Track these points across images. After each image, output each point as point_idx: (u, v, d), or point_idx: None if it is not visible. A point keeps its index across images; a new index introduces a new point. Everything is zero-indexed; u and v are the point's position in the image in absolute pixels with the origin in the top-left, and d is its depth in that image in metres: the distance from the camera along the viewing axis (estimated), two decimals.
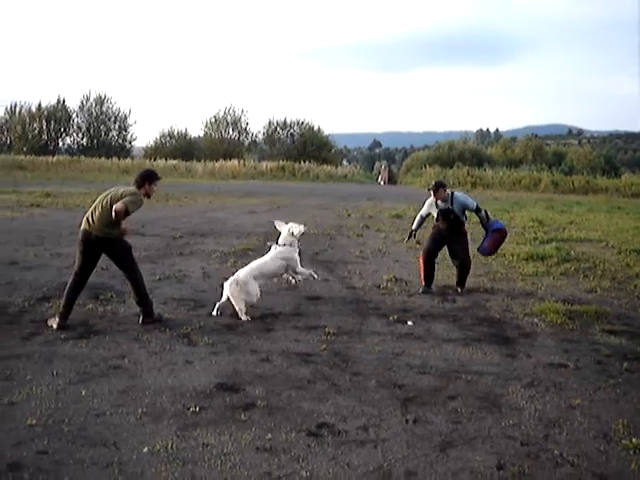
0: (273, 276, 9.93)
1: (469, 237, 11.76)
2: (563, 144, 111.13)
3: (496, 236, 11.55)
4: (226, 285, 9.20)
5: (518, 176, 55.33)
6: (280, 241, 9.94)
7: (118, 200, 8.30)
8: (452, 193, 11.46)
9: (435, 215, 11.49)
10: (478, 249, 11.80)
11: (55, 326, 8.33)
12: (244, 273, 9.33)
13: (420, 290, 11.33)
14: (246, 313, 9.05)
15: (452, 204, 11.31)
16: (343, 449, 5.23)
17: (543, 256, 15.05)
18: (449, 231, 11.35)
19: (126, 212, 8.28)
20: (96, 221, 8.40)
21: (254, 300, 9.22)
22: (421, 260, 11.49)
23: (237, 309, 9.09)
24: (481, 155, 78.05)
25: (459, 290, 11.45)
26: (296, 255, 9.90)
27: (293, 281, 10.13)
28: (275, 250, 9.83)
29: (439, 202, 11.36)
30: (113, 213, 8.19)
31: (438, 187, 11.31)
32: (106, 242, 8.46)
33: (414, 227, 11.93)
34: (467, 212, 11.44)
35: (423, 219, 11.89)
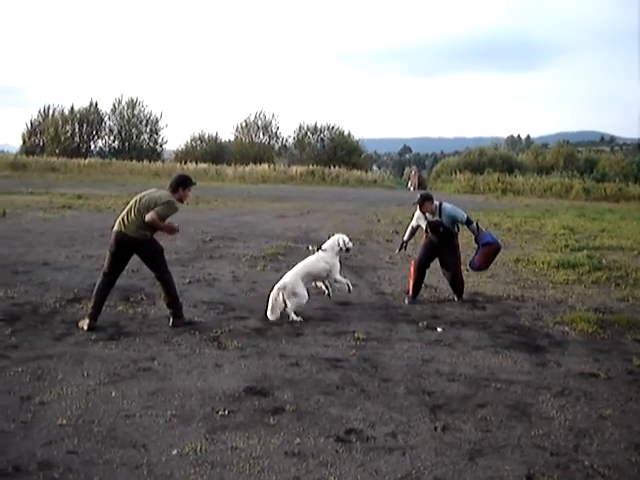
0: (316, 278, 9.99)
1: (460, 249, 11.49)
2: (595, 151, 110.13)
3: (486, 250, 11.08)
4: (273, 292, 9.35)
5: (549, 183, 54.93)
6: (324, 246, 10.06)
7: (155, 204, 8.40)
8: (440, 205, 11.02)
9: (424, 227, 11.20)
10: (469, 264, 11.46)
11: (85, 327, 8.40)
12: (290, 276, 9.49)
13: (405, 300, 10.98)
14: (297, 314, 9.30)
15: (440, 216, 10.93)
16: (371, 455, 5.22)
17: (574, 264, 14.90)
18: (440, 243, 11.08)
19: (161, 220, 8.38)
20: (130, 223, 8.48)
21: (303, 301, 9.39)
22: (412, 269, 11.21)
23: (287, 311, 9.30)
24: (512, 161, 77.56)
25: (456, 299, 11.19)
26: (337, 263, 10.00)
27: (326, 290, 10.14)
28: (318, 253, 9.99)
29: (427, 214, 11.03)
30: (147, 222, 8.29)
31: (424, 200, 10.98)
32: (140, 243, 8.52)
33: (405, 238, 11.74)
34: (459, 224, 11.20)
35: (414, 230, 11.63)
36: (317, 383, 6.82)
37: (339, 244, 9.98)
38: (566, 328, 9.46)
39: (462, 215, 11.07)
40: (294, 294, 9.27)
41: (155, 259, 8.76)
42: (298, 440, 5.43)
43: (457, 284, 11.23)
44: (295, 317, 9.23)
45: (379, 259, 15.41)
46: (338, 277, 9.96)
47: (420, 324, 9.33)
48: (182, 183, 8.84)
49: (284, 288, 9.27)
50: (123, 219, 8.57)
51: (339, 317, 9.61)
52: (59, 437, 5.33)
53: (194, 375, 6.93)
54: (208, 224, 21.23)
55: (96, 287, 8.73)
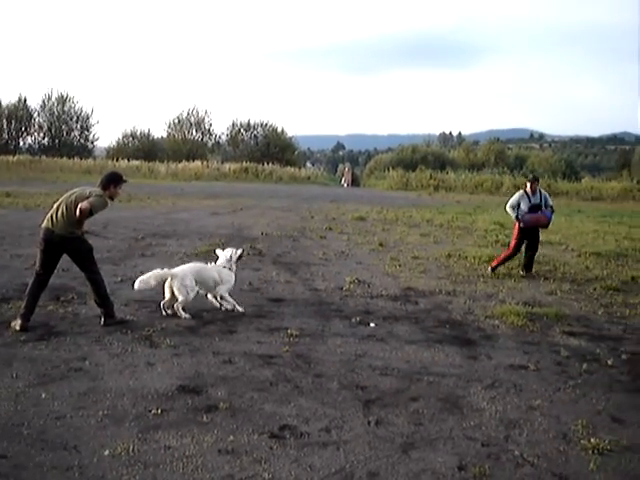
0: (202, 284, 9.52)
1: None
2: (525, 148, 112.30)
3: (540, 218, 13.74)
4: (162, 272, 9.28)
5: (480, 179, 55.83)
6: (219, 262, 9.90)
7: (84, 200, 8.26)
8: (540, 190, 13.96)
9: (525, 208, 13.61)
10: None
11: (18, 327, 8.22)
12: (182, 269, 9.44)
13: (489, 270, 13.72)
14: (185, 310, 9.19)
15: (541, 199, 13.78)
16: (305, 451, 5.23)
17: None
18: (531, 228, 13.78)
19: (90, 212, 8.24)
20: (59, 220, 8.33)
21: (191, 296, 9.24)
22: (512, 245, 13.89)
23: (176, 306, 9.19)
24: (444, 158, 78.58)
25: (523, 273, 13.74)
26: (230, 280, 9.73)
27: (217, 304, 9.76)
28: (215, 264, 9.83)
29: (532, 197, 13.67)
30: (77, 211, 8.13)
31: (536, 179, 14.07)
32: (68, 241, 8.38)
33: (514, 214, 13.79)
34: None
35: (516, 207, 13.79)
36: (250, 380, 6.80)
37: (231, 257, 9.86)
38: (496, 322, 9.62)
39: (551, 201, 14.12)
40: (183, 286, 9.12)
41: (83, 257, 8.62)
42: (232, 437, 5.41)
43: (534, 256, 13.97)
44: (184, 314, 9.10)
45: (312, 255, 15.42)
46: (225, 295, 9.62)
47: (353, 320, 9.38)
48: (113, 180, 8.73)
49: (175, 277, 9.17)
50: (52, 216, 8.43)
51: (272, 314, 9.60)
52: None
53: (126, 374, 6.85)
54: (140, 222, 20.99)
55: (29, 287, 8.57)
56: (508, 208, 13.92)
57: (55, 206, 8.54)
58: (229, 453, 5.14)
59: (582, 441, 5.56)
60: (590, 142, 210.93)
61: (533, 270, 13.94)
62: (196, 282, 9.34)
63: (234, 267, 9.85)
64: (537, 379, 7.16)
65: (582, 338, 8.91)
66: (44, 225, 8.47)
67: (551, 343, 8.63)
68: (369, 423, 5.82)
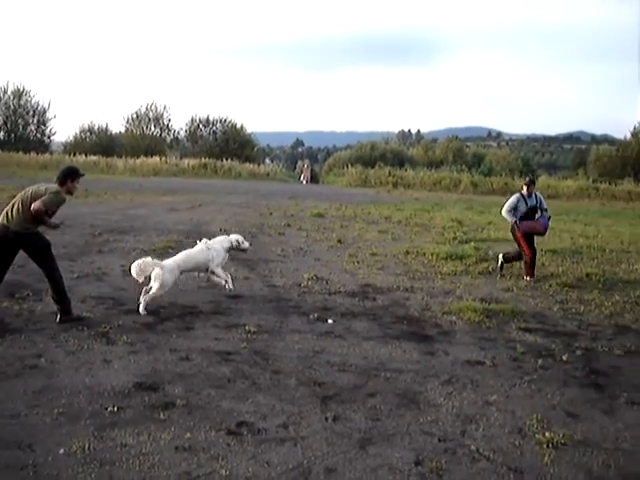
0: (196, 268, 9.86)
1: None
2: (483, 146, 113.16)
3: (534, 225, 13.37)
4: (147, 261, 9.29)
5: (439, 177, 56.19)
6: (214, 240, 10.00)
7: (39, 197, 8.16)
8: (536, 193, 13.60)
9: (523, 210, 13.30)
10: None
11: None
12: (171, 262, 9.45)
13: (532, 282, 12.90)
14: (146, 308, 9.12)
15: (536, 202, 13.45)
16: (263, 447, 5.22)
17: (462, 256, 15.32)
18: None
19: (46, 212, 8.15)
20: (15, 216, 8.23)
21: (163, 291, 9.21)
22: (528, 259, 13.30)
23: (143, 298, 9.14)
24: (402, 156, 78.89)
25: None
26: (221, 255, 9.93)
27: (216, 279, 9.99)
28: (204, 243, 9.88)
29: (528, 200, 13.38)
30: (32, 212, 8.05)
31: (532, 182, 13.75)
32: (24, 237, 8.28)
33: (512, 219, 13.37)
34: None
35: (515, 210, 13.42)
36: (208, 377, 6.77)
37: (231, 242, 10.02)
38: (454, 318, 9.69)
39: (546, 204, 13.78)
40: (162, 280, 9.07)
41: (41, 254, 8.53)
42: (189, 435, 5.39)
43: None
44: (143, 310, 9.05)
45: (271, 252, 15.41)
46: (218, 270, 9.88)
47: (311, 316, 9.39)
48: (69, 175, 8.64)
49: (161, 267, 9.14)
50: (7, 212, 8.33)
51: (230, 310, 9.56)
52: None
53: (82, 372, 6.78)
54: (98, 218, 20.79)
55: None
56: (505, 212, 13.49)
57: (11, 203, 8.44)
58: (186, 450, 5.12)
59: (537, 435, 5.63)
60: (547, 141, 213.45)
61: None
62: (192, 267, 9.72)
63: (226, 249, 10.06)
64: (493, 375, 7.23)
65: (538, 334, 9.01)
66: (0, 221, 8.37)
67: (507, 339, 8.72)
68: (327, 419, 5.84)
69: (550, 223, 13.88)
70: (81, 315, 8.77)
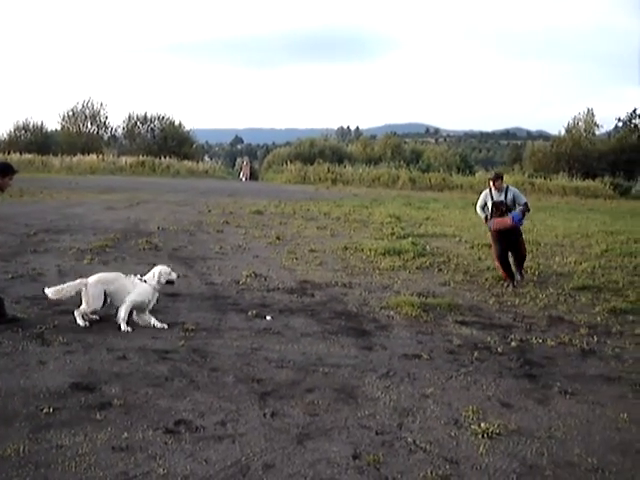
0: (117, 296, 8.73)
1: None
2: (421, 142, 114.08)
3: (505, 221, 12.40)
4: (77, 282, 8.63)
5: (377, 173, 56.49)
6: (146, 277, 8.92)
7: None
8: (507, 187, 12.81)
9: (489, 206, 12.70)
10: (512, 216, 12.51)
11: None
12: (94, 278, 8.71)
13: (514, 284, 12.21)
14: (84, 318, 8.55)
15: (506, 196, 12.56)
16: (201, 445, 5.21)
17: (400, 251, 15.44)
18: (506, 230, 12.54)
19: None
20: None
21: (89, 310, 8.58)
22: (497, 263, 12.67)
23: (77, 310, 8.58)
24: (341, 152, 79.03)
25: (518, 278, 12.62)
26: (146, 298, 8.77)
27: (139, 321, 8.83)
28: (143, 286, 8.81)
29: (494, 194, 12.65)
30: None
31: (497, 177, 12.75)
32: None
33: (484, 215, 12.95)
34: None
35: (484, 206, 12.92)
36: (145, 375, 6.73)
37: (158, 277, 8.90)
38: (391, 312, 9.78)
39: (524, 198, 12.82)
40: (91, 297, 8.50)
41: None
42: (126, 434, 5.35)
43: (521, 258, 12.74)
44: (81, 321, 8.46)
45: (209, 250, 15.34)
46: (124, 310, 8.59)
47: (249, 313, 9.38)
48: (1, 171, 8.45)
49: (85, 285, 8.56)
50: None
51: (168, 309, 9.50)
52: None
53: (17, 373, 6.67)
54: (33, 217, 20.43)
55: None
56: (478, 209, 13.08)
57: None
58: (123, 450, 5.07)
59: (472, 426, 5.72)
60: (484, 137, 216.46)
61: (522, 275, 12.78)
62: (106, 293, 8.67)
63: (157, 286, 8.88)
64: (430, 368, 7.32)
65: (474, 327, 9.16)
66: None
67: (444, 332, 8.84)
68: (265, 415, 5.85)
69: (526, 216, 12.98)
70: (16, 316, 8.57)
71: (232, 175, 71.74)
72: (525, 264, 14.17)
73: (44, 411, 5.74)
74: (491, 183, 12.73)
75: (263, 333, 8.47)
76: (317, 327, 8.87)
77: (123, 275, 8.98)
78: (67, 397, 6.11)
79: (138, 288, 8.72)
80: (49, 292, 8.66)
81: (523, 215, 12.55)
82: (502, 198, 12.53)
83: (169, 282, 9.04)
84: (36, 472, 4.70)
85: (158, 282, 8.85)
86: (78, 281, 8.70)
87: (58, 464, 4.82)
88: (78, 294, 8.64)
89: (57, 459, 4.89)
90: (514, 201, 12.58)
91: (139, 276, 8.96)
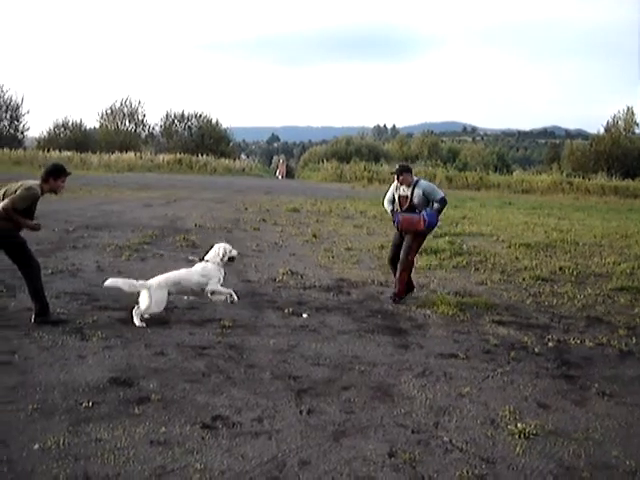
0: (188, 292, 9.16)
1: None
2: (458, 141, 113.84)
3: (416, 220, 10.25)
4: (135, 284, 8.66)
5: (414, 172, 56.24)
6: (207, 257, 9.27)
7: (12, 194, 8.06)
8: (417, 181, 10.61)
9: (396, 199, 10.67)
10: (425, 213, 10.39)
11: None
12: (157, 280, 8.79)
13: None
14: (142, 320, 8.57)
15: (413, 191, 10.42)
16: (237, 441, 5.24)
17: (436, 250, 15.38)
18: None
19: (15, 209, 8.00)
20: None
21: (156, 310, 8.63)
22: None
23: (135, 311, 8.59)
24: (378, 150, 79.01)
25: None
26: (219, 274, 9.15)
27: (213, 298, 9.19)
28: (198, 266, 9.17)
29: (402, 188, 10.55)
30: (2, 211, 7.93)
31: (402, 171, 10.53)
32: None
33: (389, 209, 10.87)
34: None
35: (392, 200, 10.80)
36: (183, 371, 6.78)
37: (220, 255, 9.23)
38: (428, 311, 9.76)
39: (439, 192, 10.58)
40: (150, 298, 8.57)
41: (14, 251, 8.38)
42: (164, 429, 5.39)
43: (404, 263, 10.40)
44: (138, 322, 8.50)
45: (246, 247, 15.39)
46: (218, 288, 9.05)
47: (286, 310, 9.42)
48: (52, 173, 8.42)
49: (148, 288, 8.63)
50: None
51: (205, 305, 9.52)
52: None
53: (56, 367, 6.76)
54: (72, 214, 20.65)
55: None
56: (385, 202, 10.99)
57: None
58: (161, 444, 5.12)
59: (509, 426, 5.69)
60: (522, 136, 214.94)
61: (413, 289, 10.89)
62: (183, 291, 9.01)
63: (220, 265, 9.20)
64: (466, 367, 7.30)
65: (511, 327, 9.10)
66: None
67: (480, 332, 8.80)
68: (301, 412, 5.87)
69: (439, 218, 10.91)
70: (60, 318, 8.53)
71: (268, 173, 72.03)
72: (563, 264, 14.01)
73: (83, 405, 5.81)
74: (395, 178, 10.69)
75: (299, 330, 8.51)
76: (353, 325, 8.89)
77: (184, 271, 9.16)
78: (106, 391, 6.17)
79: (208, 273, 9.03)
80: (108, 282, 8.77)
81: (439, 214, 10.61)
82: (408, 193, 10.48)
83: (231, 259, 9.40)
84: (76, 464, 4.75)
85: (221, 259, 9.17)
86: (140, 282, 8.72)
87: (97, 457, 4.87)
88: (133, 294, 8.72)
89: (96, 452, 4.95)
90: (425, 198, 10.45)
91: (197, 259, 9.36)
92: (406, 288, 10.60)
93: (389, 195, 10.86)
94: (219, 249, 9.26)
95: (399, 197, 10.57)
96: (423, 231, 10.43)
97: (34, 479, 4.55)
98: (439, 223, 11.01)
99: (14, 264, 8.52)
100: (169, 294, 8.79)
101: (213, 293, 9.05)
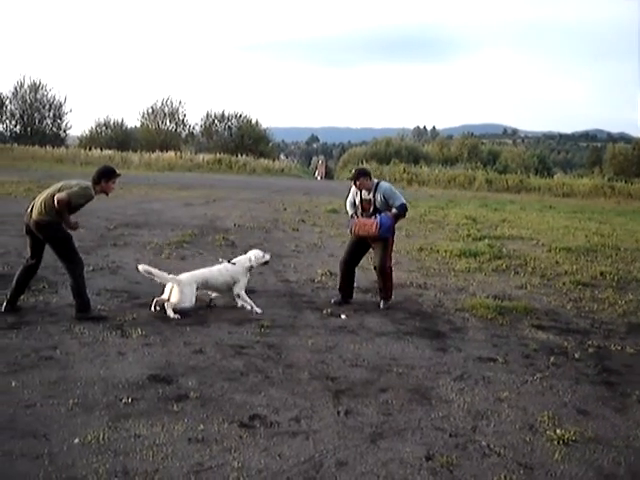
0: (214, 289, 9.48)
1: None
2: (498, 143, 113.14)
3: (369, 223, 9.79)
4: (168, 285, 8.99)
5: (453, 174, 56.03)
6: (235, 260, 9.66)
7: (68, 189, 8.27)
8: (377, 183, 10.08)
9: (357, 203, 10.22)
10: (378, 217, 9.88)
11: (2, 309, 8.45)
12: (187, 276, 9.13)
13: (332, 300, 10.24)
14: (175, 311, 8.81)
15: (375, 195, 9.94)
16: (275, 440, 5.26)
17: (475, 253, 15.30)
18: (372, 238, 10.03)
19: (69, 203, 8.18)
20: (39, 207, 8.30)
21: (186, 305, 8.89)
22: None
23: (166, 305, 8.88)
24: (418, 152, 78.74)
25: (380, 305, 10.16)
26: (244, 279, 9.49)
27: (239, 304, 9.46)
28: (225, 265, 9.53)
29: (364, 191, 10.02)
30: (55, 202, 8.11)
31: (359, 175, 10.01)
32: (41, 228, 8.30)
33: (351, 212, 10.44)
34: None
35: (354, 203, 10.31)
36: (221, 370, 6.83)
37: (250, 260, 9.59)
38: (466, 314, 9.71)
39: (399, 198, 10.00)
40: (181, 293, 8.85)
41: (59, 246, 8.50)
42: (202, 426, 5.43)
43: (382, 276, 10.09)
44: (172, 314, 8.75)
45: (285, 247, 15.45)
46: (242, 293, 9.40)
47: (324, 311, 9.44)
48: (104, 175, 8.64)
49: (178, 283, 8.91)
50: (33, 204, 8.44)
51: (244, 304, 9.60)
52: None
53: (97, 363, 6.84)
54: (112, 212, 20.84)
55: (18, 272, 8.68)
56: (347, 205, 10.52)
57: (41, 194, 8.54)
58: (199, 442, 5.16)
59: (548, 432, 5.64)
60: (563, 138, 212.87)
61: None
62: (210, 288, 9.46)
63: (247, 270, 9.59)
64: (505, 371, 7.25)
65: (550, 332, 9.02)
66: (27, 210, 8.47)
67: (520, 336, 8.73)
68: (338, 413, 5.87)
69: (397, 222, 10.15)
70: (101, 315, 8.70)
71: (307, 174, 72.07)
72: (604, 269, 13.86)
73: (123, 401, 5.88)
74: (352, 183, 10.14)
75: (338, 331, 8.51)
76: (392, 327, 8.87)
77: (214, 269, 9.49)
78: (145, 388, 6.24)
79: (234, 275, 9.43)
80: (141, 267, 9.08)
81: (395, 221, 10.02)
82: (371, 197, 9.97)
83: (264, 263, 9.98)
84: (115, 459, 4.81)
85: (251, 265, 9.62)
86: (170, 276, 8.99)
87: (136, 453, 4.93)
88: (162, 285, 9.03)
89: (135, 448, 5.01)
90: (386, 202, 9.94)
91: (225, 261, 9.67)
92: (349, 292, 10.23)
93: (350, 198, 10.38)
94: (250, 255, 9.69)
95: (361, 201, 10.08)
96: (378, 236, 9.80)
97: (74, 473, 4.60)
98: (393, 229, 10.06)
99: (58, 259, 8.66)
100: (197, 289, 9.10)
101: (239, 297, 9.39)
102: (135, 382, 6.36)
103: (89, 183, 8.50)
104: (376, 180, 10.21)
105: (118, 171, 8.92)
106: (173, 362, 7.00)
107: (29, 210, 8.41)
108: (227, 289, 9.45)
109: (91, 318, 8.46)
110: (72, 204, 8.27)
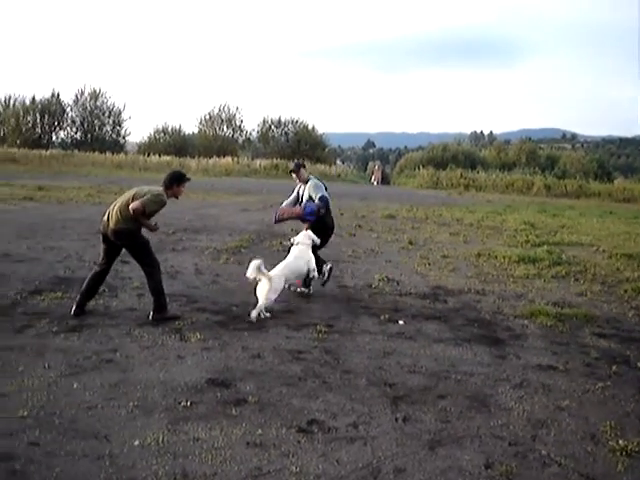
0: (299, 275, 10.12)
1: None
2: (557, 148, 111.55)
3: (296, 211, 11.12)
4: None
5: (511, 179, 55.45)
6: (298, 239, 10.45)
7: (141, 196, 8.43)
8: (308, 179, 11.25)
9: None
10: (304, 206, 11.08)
11: (72, 312, 8.65)
12: (278, 271, 9.48)
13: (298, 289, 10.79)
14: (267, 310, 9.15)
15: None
16: (333, 445, 5.26)
17: (534, 259, 15.11)
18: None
19: (144, 212, 8.43)
20: (115, 215, 8.56)
21: (274, 299, 9.20)
22: None
23: (258, 306, 9.03)
24: (475, 157, 78.04)
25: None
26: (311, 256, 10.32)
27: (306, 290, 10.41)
28: (295, 249, 10.31)
29: (301, 186, 11.35)
30: (131, 211, 8.30)
31: (298, 168, 11.37)
32: (120, 235, 8.57)
33: (282, 205, 11.65)
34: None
35: (294, 201, 11.56)
36: (279, 375, 6.85)
37: (310, 236, 10.39)
38: (525, 321, 9.59)
39: (320, 193, 10.92)
40: (274, 290, 9.08)
41: (138, 251, 8.78)
42: (260, 431, 5.46)
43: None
44: (266, 314, 9.06)
45: (342, 252, 15.45)
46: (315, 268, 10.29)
47: (382, 317, 9.39)
48: (176, 179, 8.90)
49: (270, 279, 9.08)
50: (109, 212, 8.68)
51: (301, 310, 9.64)
52: (20, 429, 5.29)
53: (156, 367, 6.92)
54: (171, 217, 21.00)
55: (89, 275, 8.91)
56: (286, 201, 11.58)
57: (114, 202, 8.80)
58: (257, 446, 5.18)
59: (610, 442, 5.54)
60: (623, 143, 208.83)
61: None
62: (294, 276, 9.98)
63: (309, 246, 10.43)
64: (566, 380, 7.14)
65: (612, 340, 8.86)
66: (103, 219, 8.73)
67: (580, 344, 8.59)
68: (396, 419, 5.85)
69: (320, 209, 10.84)
70: (177, 314, 8.91)
71: (364, 179, 71.95)
72: None
73: (182, 404, 5.94)
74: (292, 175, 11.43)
75: (395, 337, 8.48)
76: (450, 333, 8.80)
77: (291, 258, 10.11)
78: (204, 392, 6.29)
79: (304, 255, 10.28)
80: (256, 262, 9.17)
81: (318, 211, 10.73)
82: (306, 192, 11.08)
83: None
84: (174, 462, 4.86)
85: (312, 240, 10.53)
86: (265, 272, 9.14)
87: (195, 456, 4.97)
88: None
89: (194, 451, 5.05)
90: (311, 196, 10.99)
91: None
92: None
93: (294, 194, 11.49)
94: (306, 234, 10.43)
95: (302, 196, 11.20)
96: (300, 215, 10.95)
97: (135, 474, 4.67)
98: (313, 218, 10.85)
99: (137, 264, 8.98)
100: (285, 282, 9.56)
101: (314, 270, 10.16)
102: (194, 386, 6.42)
103: (160, 189, 8.68)
104: (310, 176, 11.38)
105: (188, 175, 9.15)
106: (231, 366, 7.04)
107: (105, 219, 8.62)
108: (307, 270, 10.12)
109: (167, 318, 8.67)
110: (147, 212, 8.46)
